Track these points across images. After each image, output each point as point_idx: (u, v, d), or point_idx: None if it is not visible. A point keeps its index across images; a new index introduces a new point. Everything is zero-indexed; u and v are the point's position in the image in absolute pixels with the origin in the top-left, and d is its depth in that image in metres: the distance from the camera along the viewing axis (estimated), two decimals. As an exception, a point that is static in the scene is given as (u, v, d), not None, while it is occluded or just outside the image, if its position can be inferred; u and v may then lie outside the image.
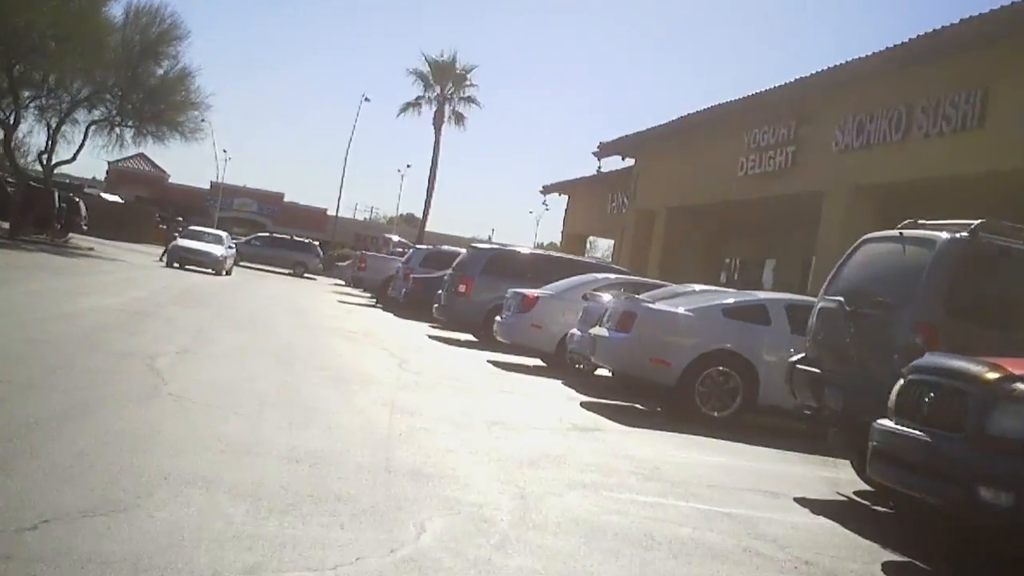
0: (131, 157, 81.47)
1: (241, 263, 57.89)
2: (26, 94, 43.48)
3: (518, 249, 26.78)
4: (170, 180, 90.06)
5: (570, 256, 29.32)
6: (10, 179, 45.49)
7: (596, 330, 16.04)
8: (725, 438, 13.21)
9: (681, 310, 15.05)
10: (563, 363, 19.58)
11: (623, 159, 41.24)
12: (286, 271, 58.55)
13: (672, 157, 35.05)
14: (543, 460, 9.51)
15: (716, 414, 14.55)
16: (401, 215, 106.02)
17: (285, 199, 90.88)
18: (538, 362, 20.96)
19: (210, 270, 40.68)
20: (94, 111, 45.99)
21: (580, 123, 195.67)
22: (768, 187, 28.59)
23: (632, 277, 22.51)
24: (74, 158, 48.35)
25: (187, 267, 40.37)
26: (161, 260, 43.32)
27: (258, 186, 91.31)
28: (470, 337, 25.51)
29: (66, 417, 8.03)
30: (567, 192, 50.98)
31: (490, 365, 19.32)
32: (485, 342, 23.09)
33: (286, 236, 63.61)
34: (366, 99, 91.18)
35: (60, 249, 40.79)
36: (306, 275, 59.04)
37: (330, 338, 20.47)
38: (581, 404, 14.99)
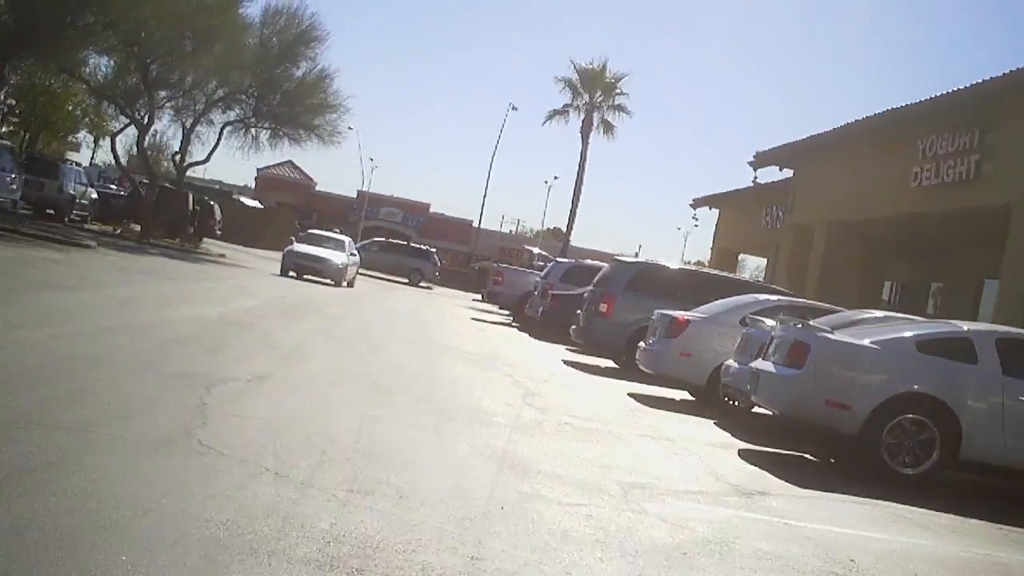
0: (279, 164, 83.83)
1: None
2: (161, 94, 42.53)
3: (667, 265, 24.10)
4: (317, 188, 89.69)
5: (726, 274, 26.58)
6: (144, 180, 44.56)
7: (759, 363, 13.40)
8: (925, 505, 10.51)
9: (866, 342, 12.34)
10: (715, 399, 16.97)
11: (780, 170, 38.46)
12: (402, 279, 56.76)
13: (834, 168, 32.11)
14: (698, 550, 6.97)
15: (907, 471, 11.85)
16: (548, 229, 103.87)
17: (431, 210, 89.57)
18: (686, 395, 18.39)
19: (329, 280, 36.19)
20: (229, 112, 44.77)
21: (733, 134, 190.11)
22: (945, 200, 25.68)
23: (798, 300, 19.69)
24: (207, 159, 47.54)
25: (305, 276, 35.96)
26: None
27: (404, 195, 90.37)
28: (610, 363, 23.03)
29: (23, 474, 5.76)
30: (718, 205, 48.28)
31: (631, 400, 16.75)
32: (627, 370, 20.52)
33: (403, 242, 62.00)
34: (513, 108, 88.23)
35: (187, 253, 39.20)
36: (422, 283, 57.35)
37: (448, 361, 18.18)
38: (739, 453, 12.42)
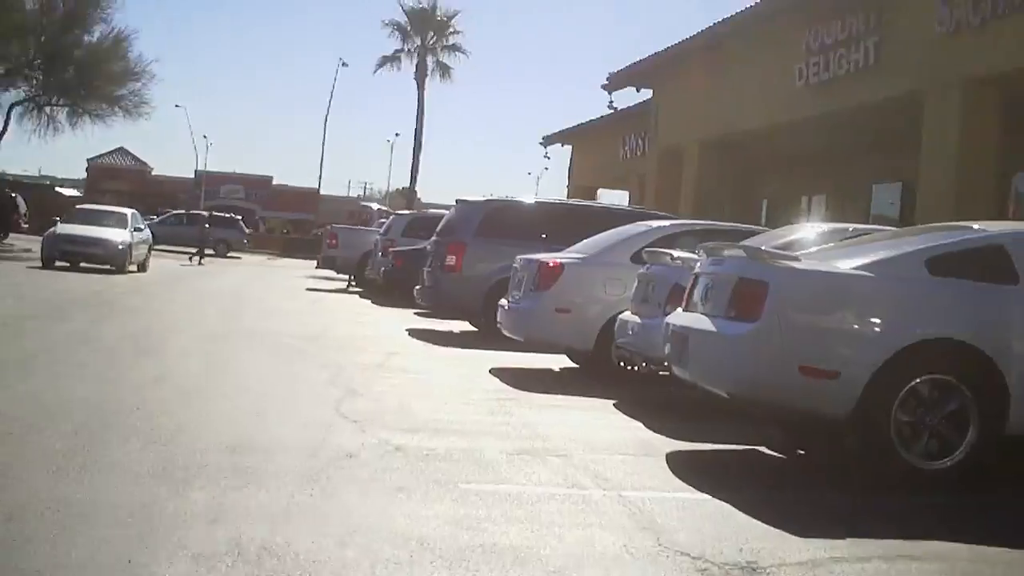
0: (110, 152, 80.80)
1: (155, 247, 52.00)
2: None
3: (523, 200, 19.58)
4: (153, 173, 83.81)
5: (598, 204, 22.16)
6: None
7: (681, 318, 8.97)
8: (981, 534, 6.33)
9: (848, 269, 8.00)
10: (607, 366, 12.72)
11: (638, 91, 34.20)
12: (209, 251, 51.18)
13: (701, 81, 27.90)
14: None
15: (933, 465, 7.58)
16: (397, 190, 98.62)
17: (274, 182, 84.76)
18: (567, 363, 14.08)
19: (109, 265, 28.42)
20: (13, 90, 38.83)
21: (582, 63, 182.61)
22: (837, 97, 21.84)
23: (702, 222, 15.36)
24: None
25: (82, 265, 28.34)
26: None
27: (246, 171, 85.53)
28: (467, 326, 18.60)
29: None
30: (571, 141, 44.09)
31: (495, 380, 12.25)
32: (487, 336, 16.03)
33: (202, 212, 56.40)
34: (343, 64, 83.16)
35: None
36: (230, 254, 52.82)
37: (251, 355, 13.52)
38: (667, 460, 8.05)
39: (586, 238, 14.51)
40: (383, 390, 10.84)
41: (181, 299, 23.05)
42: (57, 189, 68.57)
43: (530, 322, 13.41)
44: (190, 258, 40.26)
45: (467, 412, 9.82)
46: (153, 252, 33.03)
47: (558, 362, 14.16)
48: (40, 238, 30.41)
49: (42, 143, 50.82)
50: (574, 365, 13.96)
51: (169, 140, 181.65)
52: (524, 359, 14.22)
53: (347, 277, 33.57)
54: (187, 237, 51.28)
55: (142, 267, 31.10)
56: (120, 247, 28.79)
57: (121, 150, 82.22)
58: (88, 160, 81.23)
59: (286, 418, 8.75)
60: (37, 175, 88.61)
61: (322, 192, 78.56)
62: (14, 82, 38.40)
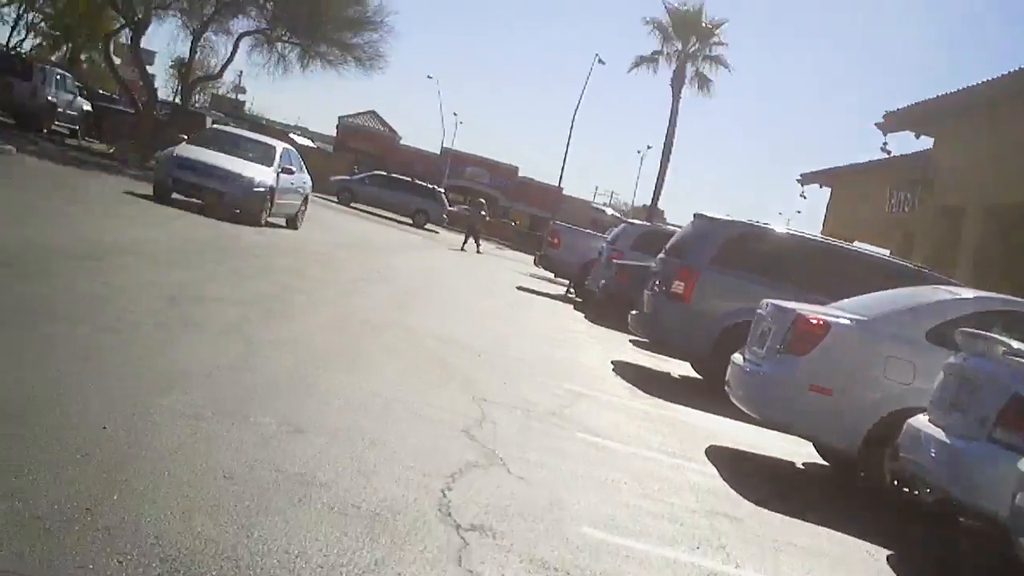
0: (361, 114, 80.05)
1: (354, 204, 50.31)
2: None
3: (778, 229, 15.68)
4: (401, 141, 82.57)
5: (876, 253, 18.09)
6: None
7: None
8: None
9: None
10: (876, 481, 8.93)
11: (917, 137, 29.64)
12: (406, 219, 49.35)
13: (989, 133, 23.40)
14: None
15: None
16: (642, 206, 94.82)
17: (520, 174, 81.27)
18: (813, 456, 10.33)
19: (236, 210, 20.94)
20: (242, 18, 36.72)
21: (851, 99, 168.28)
22: None
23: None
24: (220, 73, 39.98)
25: (194, 200, 21.28)
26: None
27: (490, 156, 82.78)
28: (687, 370, 14.98)
29: None
30: (831, 183, 39.33)
31: (710, 476, 8.48)
32: (713, 392, 12.09)
33: (407, 178, 53.93)
34: (600, 61, 79.49)
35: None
36: (427, 225, 49.74)
37: (366, 355, 10.24)
38: None
39: (855, 292, 10.71)
40: (536, 462, 7.28)
41: (344, 273, 19.95)
42: (292, 135, 67.79)
43: (772, 396, 9.58)
44: (462, 247, 37.77)
45: (655, 537, 6.22)
46: (310, 205, 25.79)
47: (801, 450, 10.41)
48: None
49: (273, 81, 49.29)
50: (824, 464, 10.18)
51: (418, 111, 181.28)
52: (758, 438, 10.52)
53: (567, 282, 30.24)
54: (385, 199, 49.85)
55: (292, 222, 24.17)
56: (256, 189, 21.37)
57: (372, 113, 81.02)
58: (339, 118, 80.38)
59: (344, 511, 5.32)
60: (291, 125, 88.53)
61: (565, 192, 75.15)
62: (245, 10, 36.36)
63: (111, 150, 34.13)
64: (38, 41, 49.14)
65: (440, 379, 9.79)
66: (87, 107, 37.94)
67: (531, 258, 40.33)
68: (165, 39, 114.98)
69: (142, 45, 36.74)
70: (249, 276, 14.12)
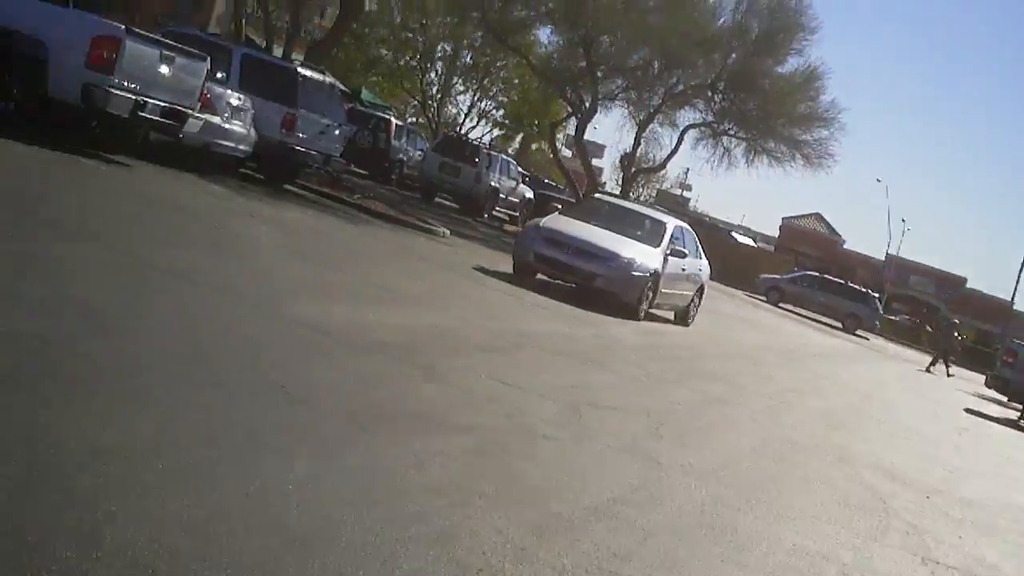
0: (806, 215, 79.96)
1: (782, 304, 48.47)
2: (617, 83, 34.83)
3: None
4: (844, 245, 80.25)
5: None
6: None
7: None
8: None
9: None
10: None
11: None
12: (834, 322, 46.57)
13: None
14: None
15: None
16: None
17: (967, 284, 76.63)
18: None
19: (615, 291, 17.50)
20: (689, 109, 36.06)
21: None
22: None
23: None
24: (662, 165, 39.45)
25: (558, 282, 18.20)
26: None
27: (937, 263, 79.20)
28: None
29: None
30: None
31: None
32: None
33: (840, 280, 51.00)
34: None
35: None
36: (858, 331, 46.53)
37: (806, 490, 8.48)
38: None
39: None
40: None
41: (771, 383, 18.15)
42: (733, 234, 66.88)
43: None
44: (929, 367, 35.30)
45: None
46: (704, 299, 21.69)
47: None
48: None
49: (715, 176, 48.98)
50: None
51: (862, 213, 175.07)
52: None
53: (1021, 407, 26.95)
54: (813, 301, 47.51)
55: (681, 316, 20.61)
56: (635, 273, 17.70)
57: (817, 216, 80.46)
58: (783, 218, 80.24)
59: None
60: (734, 224, 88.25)
61: (1015, 308, 69.35)
62: (693, 102, 35.66)
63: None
64: (488, 128, 51.09)
65: (879, 528, 7.91)
66: (528, 194, 38.52)
67: (977, 376, 36.66)
68: (611, 130, 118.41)
69: (589, 137, 36.89)
70: (654, 380, 12.67)
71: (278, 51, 25.95)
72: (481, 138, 44.89)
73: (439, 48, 48.87)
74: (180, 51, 15.53)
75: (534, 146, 54.06)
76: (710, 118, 36.02)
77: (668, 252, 18.65)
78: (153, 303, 7.55)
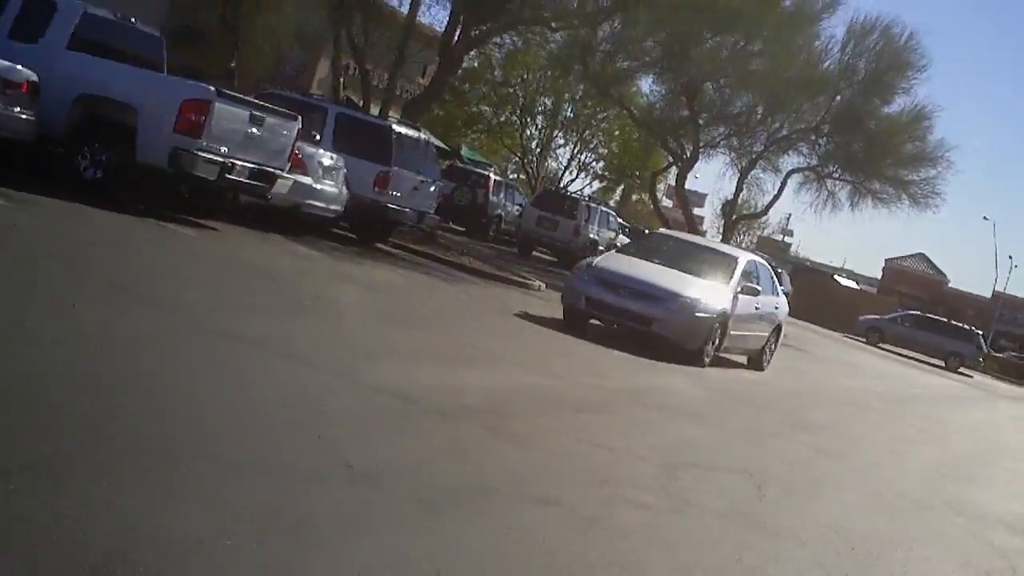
0: (909, 256, 78.96)
1: (882, 344, 46.88)
2: (719, 130, 34.38)
3: None
4: (949, 286, 78.86)
5: None
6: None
7: None
8: None
9: None
10: None
11: None
12: (937, 361, 44.68)
13: None
14: None
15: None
16: None
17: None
18: None
19: (670, 335, 15.39)
20: (793, 153, 35.42)
21: None
22: None
23: None
24: (765, 211, 38.83)
25: (616, 327, 16.13)
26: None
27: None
28: None
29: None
30: None
31: None
32: None
33: (942, 319, 49.18)
34: None
35: None
36: (960, 369, 44.70)
37: None
38: None
39: None
40: None
41: (879, 430, 17.23)
42: (836, 277, 65.49)
43: None
44: None
45: None
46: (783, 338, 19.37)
47: None
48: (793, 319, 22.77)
49: (819, 221, 47.87)
50: None
51: (968, 252, 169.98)
52: None
53: None
54: (914, 340, 46.58)
55: (755, 361, 18.18)
56: (699, 315, 15.44)
57: (921, 256, 79.53)
58: (886, 260, 79.45)
59: None
60: (836, 267, 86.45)
61: None
62: (796, 146, 35.02)
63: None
64: (588, 181, 50.87)
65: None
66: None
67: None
68: (711, 177, 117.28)
69: (689, 186, 36.37)
70: (751, 433, 11.94)
71: (375, 110, 25.86)
72: (581, 191, 44.59)
73: (539, 102, 48.86)
74: (270, 111, 15.42)
75: (635, 197, 53.58)
76: (814, 161, 35.41)
77: (739, 289, 16.59)
78: (222, 375, 7.18)
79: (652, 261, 16.82)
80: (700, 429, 10.87)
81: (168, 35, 33.34)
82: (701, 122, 33.27)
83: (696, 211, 46.16)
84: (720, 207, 47.98)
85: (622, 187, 52.90)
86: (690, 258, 17.14)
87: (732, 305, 16.25)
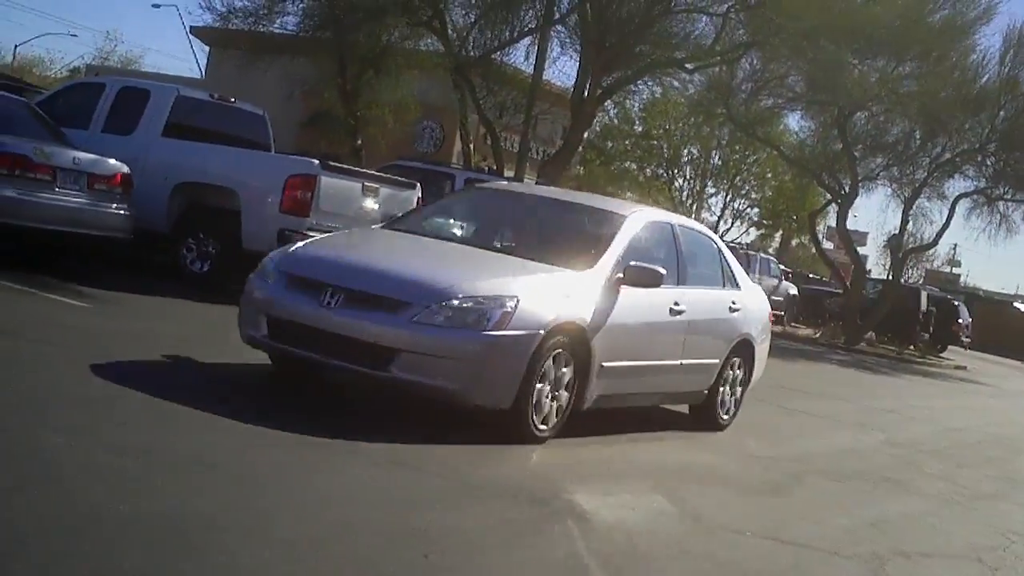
0: None
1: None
2: (877, 161, 32.42)
3: None
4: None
5: None
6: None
7: None
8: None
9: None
10: None
11: None
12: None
13: None
14: None
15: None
16: None
17: None
18: None
19: (426, 380, 7.42)
20: (959, 177, 33.09)
21: None
22: None
23: None
24: (934, 242, 36.29)
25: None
26: None
27: None
28: None
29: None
30: None
31: None
32: None
33: None
34: None
35: (907, 364, 30.56)
36: None
37: None
38: None
39: None
40: None
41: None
42: (1015, 304, 61.86)
43: None
44: None
45: None
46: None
47: None
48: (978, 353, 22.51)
49: (992, 245, 44.99)
50: None
51: None
52: None
53: None
54: None
55: (701, 412, 10.47)
56: (503, 333, 7.45)
57: None
58: None
59: None
60: (1008, 294, 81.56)
61: None
62: (962, 169, 32.69)
63: (817, 335, 32.28)
64: (744, 229, 49.08)
65: None
66: (792, 291, 36.41)
67: None
68: (872, 212, 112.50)
69: (849, 225, 34.38)
70: (968, 498, 10.13)
71: (509, 173, 24.92)
72: (738, 239, 42.77)
73: (685, 153, 47.44)
74: (385, 181, 14.42)
75: (794, 241, 51.52)
76: (983, 184, 32.98)
77: (619, 276, 8.54)
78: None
79: (439, 237, 9.38)
80: (911, 499, 9.22)
81: (301, 125, 33.22)
82: (857, 154, 31.25)
83: (860, 251, 43.98)
84: (886, 241, 45.51)
85: (780, 232, 50.93)
86: (525, 228, 9.75)
87: (603, 306, 8.32)
